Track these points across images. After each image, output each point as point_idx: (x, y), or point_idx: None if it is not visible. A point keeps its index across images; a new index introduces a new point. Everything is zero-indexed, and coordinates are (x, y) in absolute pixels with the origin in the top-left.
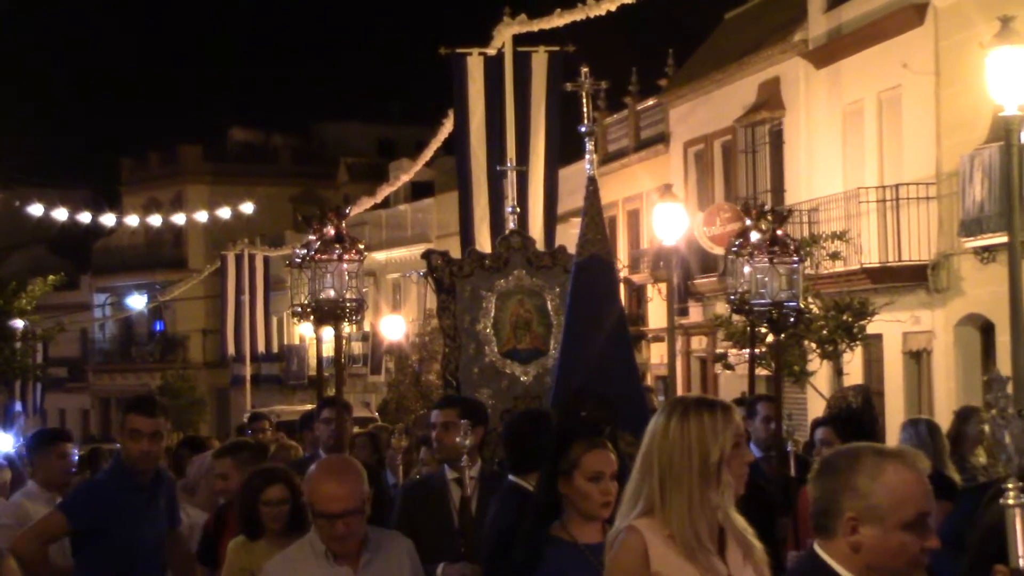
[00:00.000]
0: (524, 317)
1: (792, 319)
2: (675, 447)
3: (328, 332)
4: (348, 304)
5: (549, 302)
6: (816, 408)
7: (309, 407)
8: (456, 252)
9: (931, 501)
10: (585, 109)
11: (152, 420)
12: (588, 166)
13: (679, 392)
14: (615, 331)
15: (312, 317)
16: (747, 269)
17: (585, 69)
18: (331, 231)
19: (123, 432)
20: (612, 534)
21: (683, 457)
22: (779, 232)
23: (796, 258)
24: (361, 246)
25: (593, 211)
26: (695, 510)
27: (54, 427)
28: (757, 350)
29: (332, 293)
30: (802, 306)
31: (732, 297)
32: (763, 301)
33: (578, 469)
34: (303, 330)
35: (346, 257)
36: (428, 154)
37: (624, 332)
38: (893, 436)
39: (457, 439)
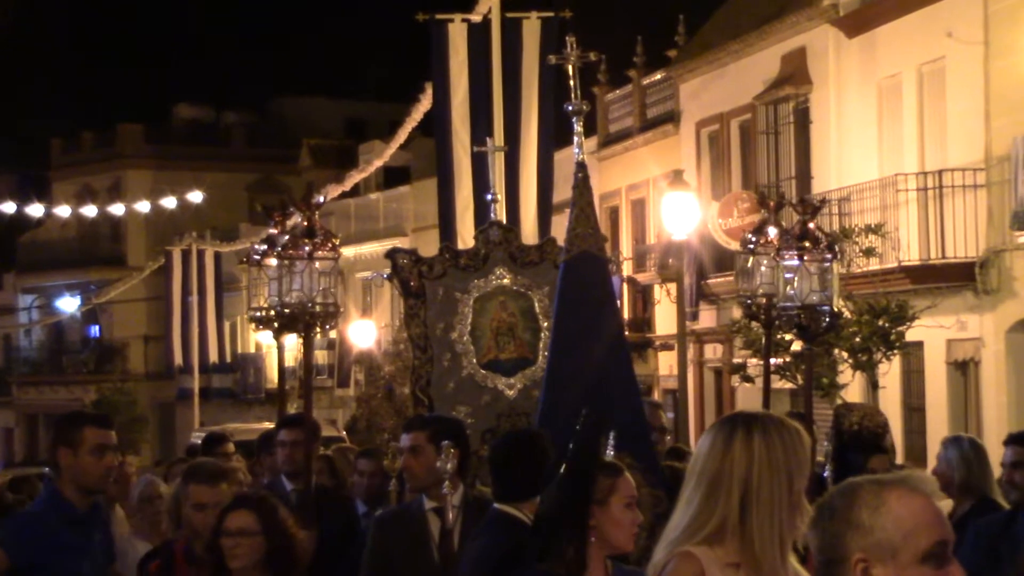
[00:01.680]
0: (507, 322)
1: (825, 325)
2: (762, 466)
3: (291, 339)
4: (320, 308)
5: (537, 303)
6: None
7: (268, 425)
8: (435, 247)
9: (947, 528)
10: (572, 84)
11: (111, 433)
12: (577, 150)
13: (691, 407)
14: (611, 339)
15: (275, 324)
16: (764, 268)
17: (572, 39)
18: (303, 223)
19: (80, 450)
20: (657, 562)
21: (772, 477)
22: (810, 225)
23: (829, 255)
24: (336, 241)
25: (583, 202)
26: (785, 539)
27: None
28: (779, 360)
29: (300, 296)
30: (836, 309)
31: (747, 301)
32: (791, 304)
33: (616, 494)
34: (261, 337)
35: (318, 254)
36: (403, 135)
37: (621, 340)
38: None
39: (438, 463)
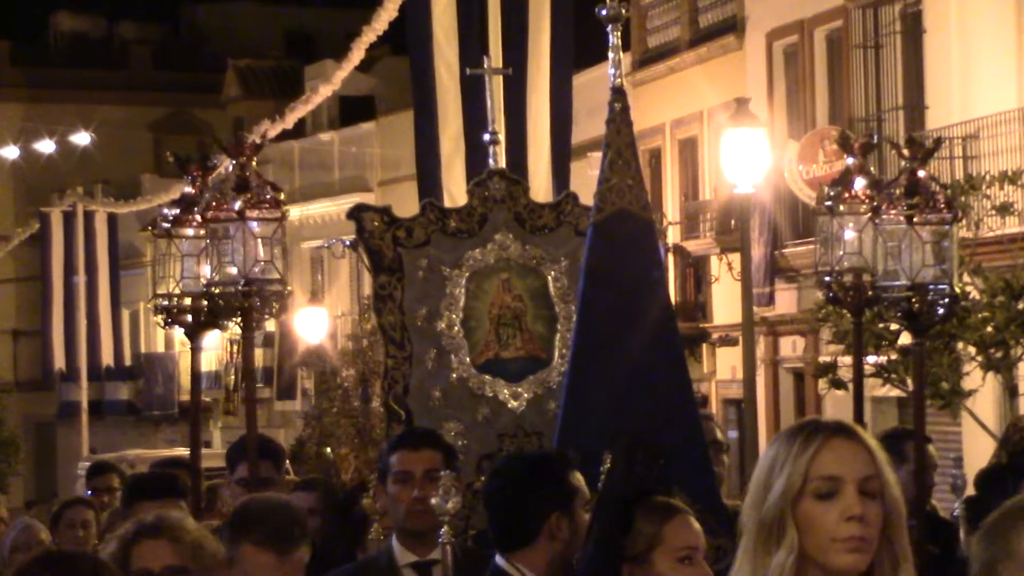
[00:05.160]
0: (513, 308)
1: (942, 311)
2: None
3: (214, 335)
4: (259, 291)
5: (552, 283)
6: (977, 447)
7: (181, 452)
8: (408, 206)
9: None
10: None
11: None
12: (612, 70)
13: (762, 423)
14: (657, 330)
15: (189, 318)
16: (849, 234)
17: None
18: (234, 171)
19: None
20: None
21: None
22: (921, 174)
23: (948, 215)
24: (281, 196)
25: (620, 142)
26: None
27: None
28: (883, 358)
29: (234, 271)
30: (957, 290)
31: (827, 278)
32: (896, 283)
33: (660, 547)
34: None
35: (256, 214)
36: (361, 51)
37: (671, 331)
38: None
39: (433, 500)
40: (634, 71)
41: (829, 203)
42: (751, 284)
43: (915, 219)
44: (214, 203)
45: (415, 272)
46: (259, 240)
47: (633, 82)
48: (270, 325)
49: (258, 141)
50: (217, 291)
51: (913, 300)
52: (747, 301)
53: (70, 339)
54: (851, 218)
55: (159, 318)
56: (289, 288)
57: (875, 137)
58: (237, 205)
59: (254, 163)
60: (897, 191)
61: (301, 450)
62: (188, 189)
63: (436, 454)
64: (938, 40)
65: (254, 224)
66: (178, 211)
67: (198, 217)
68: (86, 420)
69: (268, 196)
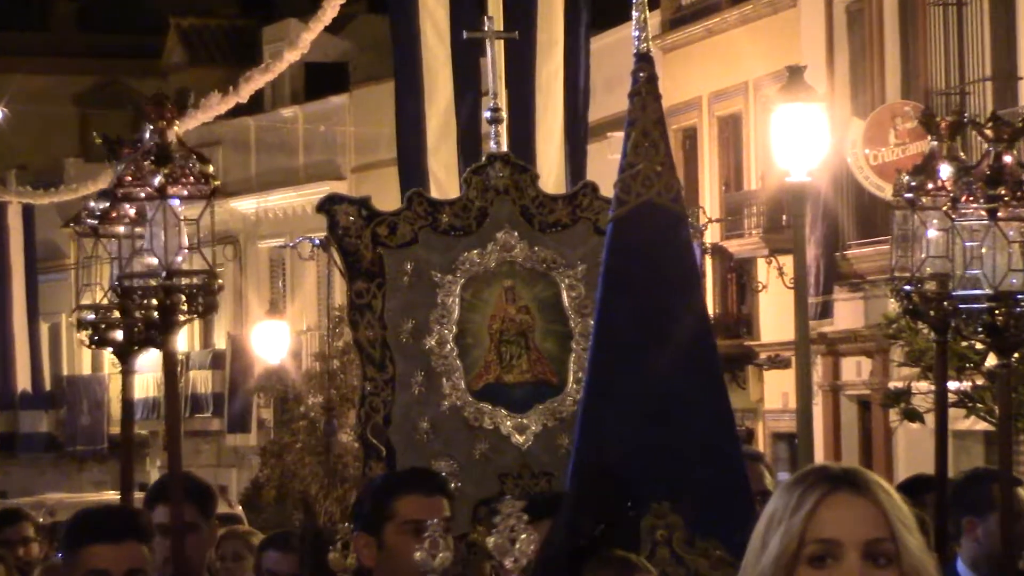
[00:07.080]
0: (518, 322)
1: None
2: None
3: (150, 354)
4: (186, 283)
5: (566, 292)
6: None
7: (111, 496)
8: (388, 198)
9: None
10: None
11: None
12: (636, 32)
13: (819, 462)
14: (690, 348)
15: (122, 332)
16: (934, 232)
17: None
18: (150, 139)
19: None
20: None
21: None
22: (1007, 159)
23: None
24: (209, 168)
25: (646, 120)
26: None
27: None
28: (967, 383)
29: (154, 262)
30: None
31: (906, 287)
32: (976, 292)
33: None
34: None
35: (175, 190)
36: (334, 8)
37: (707, 349)
38: None
39: (418, 555)
40: (665, 34)
41: (909, 195)
42: (806, 293)
43: (1000, 213)
44: (128, 178)
45: (399, 277)
46: (183, 223)
47: (663, 47)
48: (220, 342)
49: (188, 103)
50: (131, 284)
51: (996, 312)
52: (801, 314)
53: None
54: (935, 213)
55: (84, 335)
56: (220, 282)
57: (964, 113)
58: (156, 181)
59: (176, 128)
60: (978, 180)
61: (257, 494)
62: (125, 175)
63: (447, 501)
64: None
65: (176, 202)
66: (107, 204)
67: (132, 212)
68: None
69: (194, 168)
